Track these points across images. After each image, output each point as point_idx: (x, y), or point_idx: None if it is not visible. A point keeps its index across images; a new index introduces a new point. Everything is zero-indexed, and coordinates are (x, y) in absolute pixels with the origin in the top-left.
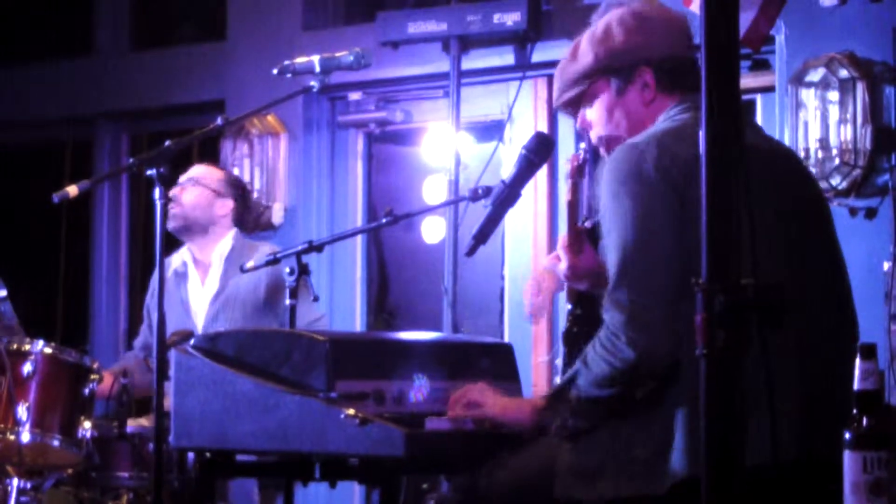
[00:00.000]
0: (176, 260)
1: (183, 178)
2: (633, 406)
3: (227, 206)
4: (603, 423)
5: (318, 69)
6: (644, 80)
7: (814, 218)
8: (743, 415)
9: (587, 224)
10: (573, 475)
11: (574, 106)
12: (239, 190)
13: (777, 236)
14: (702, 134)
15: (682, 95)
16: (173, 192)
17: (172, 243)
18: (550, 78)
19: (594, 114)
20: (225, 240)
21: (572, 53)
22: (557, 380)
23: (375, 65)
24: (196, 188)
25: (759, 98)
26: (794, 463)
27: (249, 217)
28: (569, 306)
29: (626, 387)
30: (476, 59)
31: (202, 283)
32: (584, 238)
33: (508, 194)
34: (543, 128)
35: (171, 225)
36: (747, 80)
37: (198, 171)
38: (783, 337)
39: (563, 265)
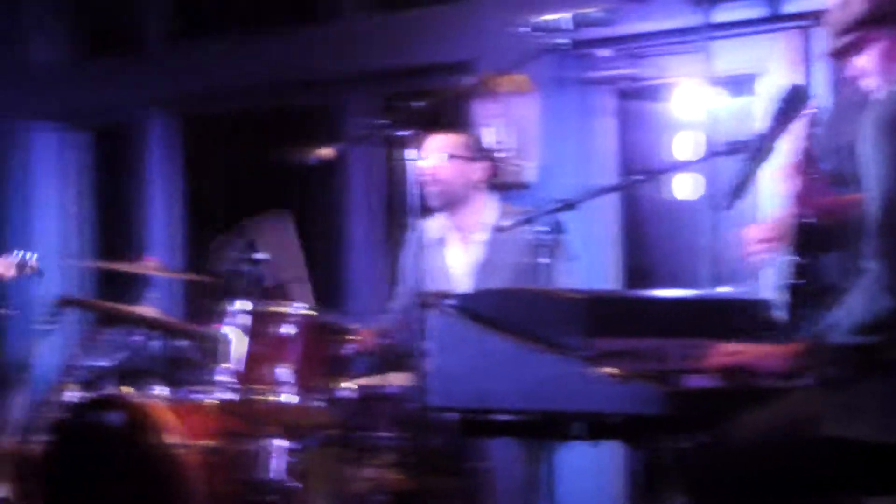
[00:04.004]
0: (434, 225)
1: (432, 153)
2: None
3: (482, 167)
4: (870, 371)
5: (567, 26)
6: None
7: None
8: None
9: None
10: (849, 413)
11: (844, 54)
12: (488, 149)
13: None
14: None
15: None
16: (429, 171)
17: (427, 206)
18: (803, 29)
19: (867, 62)
20: (484, 204)
21: (844, 1)
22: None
23: (625, 20)
24: (450, 161)
25: None
26: None
27: (502, 176)
28: (790, 257)
29: (888, 334)
30: (726, 12)
31: (462, 248)
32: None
33: (764, 148)
34: (796, 80)
35: (434, 203)
36: None
37: (444, 142)
38: None
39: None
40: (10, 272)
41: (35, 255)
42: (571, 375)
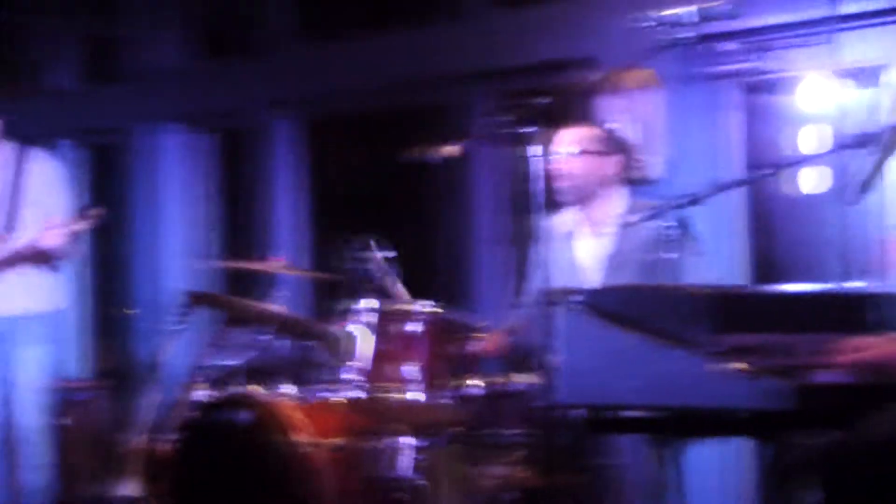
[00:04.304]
0: (565, 219)
1: (563, 148)
2: None
3: (614, 162)
4: None
5: (692, 20)
6: None
7: None
8: None
9: None
10: None
11: None
12: (619, 141)
13: None
14: None
15: None
16: (560, 166)
17: (554, 201)
18: None
19: None
20: (615, 199)
21: None
22: None
23: (750, 13)
24: (580, 157)
25: None
26: None
27: (631, 169)
28: None
29: None
30: (853, 3)
31: (592, 241)
32: None
33: (892, 140)
34: None
35: (565, 199)
36: None
37: (577, 136)
38: None
39: None
40: (61, 238)
41: (93, 208)
42: (699, 371)
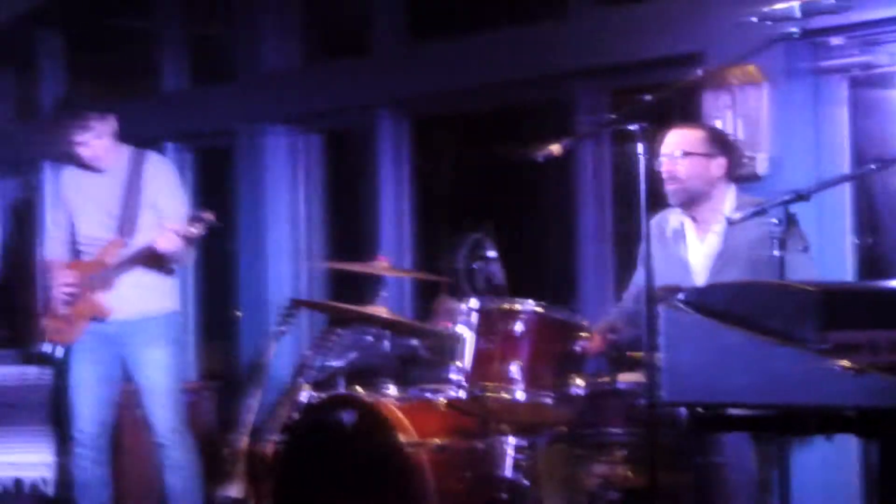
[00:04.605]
0: (673, 218)
1: (668, 150)
2: None
3: (720, 164)
4: None
5: (798, 14)
6: None
7: None
8: None
9: None
10: None
11: None
12: (726, 142)
13: None
14: None
15: None
16: (666, 169)
17: (659, 200)
18: None
19: None
20: (721, 198)
21: None
22: None
23: (857, 7)
24: (687, 158)
25: None
26: None
27: (737, 167)
28: None
29: None
30: None
31: (701, 241)
32: None
33: None
34: None
35: (674, 201)
36: None
37: (682, 138)
38: None
39: None
40: (177, 242)
41: (207, 213)
42: (806, 369)
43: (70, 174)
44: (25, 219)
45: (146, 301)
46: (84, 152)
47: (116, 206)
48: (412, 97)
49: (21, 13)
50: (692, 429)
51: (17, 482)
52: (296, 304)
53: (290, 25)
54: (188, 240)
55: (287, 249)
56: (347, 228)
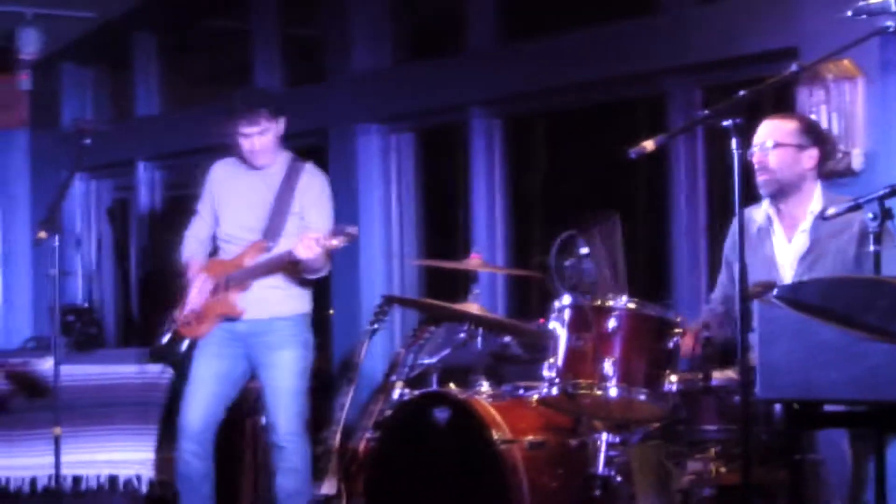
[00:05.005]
0: (759, 214)
1: (759, 140)
2: None
3: (812, 155)
4: None
5: (893, 8)
6: None
7: None
8: None
9: None
10: None
11: None
12: (818, 134)
13: None
14: None
15: None
16: (758, 158)
17: (752, 196)
18: None
19: None
20: (812, 192)
21: None
22: None
23: None
24: (778, 149)
25: None
26: None
27: (830, 162)
28: None
29: None
30: None
31: (788, 238)
32: None
33: None
34: None
35: (764, 192)
36: None
37: (774, 129)
38: None
39: None
40: (317, 252)
41: (351, 227)
42: None
43: (222, 167)
44: (120, 220)
45: (279, 303)
46: (245, 145)
47: (265, 209)
48: (504, 96)
49: (116, 15)
50: (787, 425)
51: (112, 479)
52: (389, 301)
53: (382, 25)
54: (327, 251)
55: (380, 248)
56: (440, 227)
